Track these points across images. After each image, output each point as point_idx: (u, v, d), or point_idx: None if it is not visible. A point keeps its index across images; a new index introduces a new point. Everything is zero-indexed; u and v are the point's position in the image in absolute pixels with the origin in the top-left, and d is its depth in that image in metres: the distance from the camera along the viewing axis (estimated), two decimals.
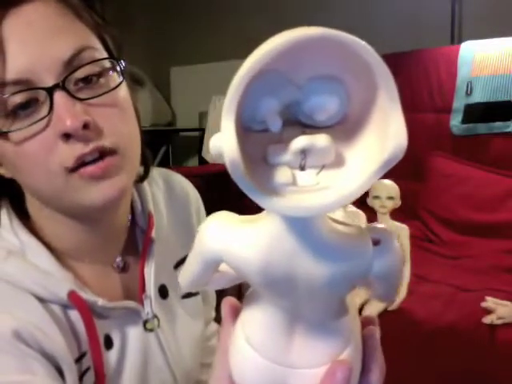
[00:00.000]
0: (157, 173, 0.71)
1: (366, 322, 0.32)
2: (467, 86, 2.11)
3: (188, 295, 0.67)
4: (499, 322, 1.34)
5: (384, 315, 1.33)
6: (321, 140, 0.21)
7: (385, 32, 2.62)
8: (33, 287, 0.51)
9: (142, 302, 0.60)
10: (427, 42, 2.32)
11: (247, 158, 0.21)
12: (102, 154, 0.49)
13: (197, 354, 0.68)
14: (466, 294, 1.51)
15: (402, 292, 1.45)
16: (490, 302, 1.40)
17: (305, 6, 2.96)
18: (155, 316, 0.61)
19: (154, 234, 0.63)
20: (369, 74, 0.20)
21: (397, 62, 2.35)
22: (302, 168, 0.22)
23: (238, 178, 0.21)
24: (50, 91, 0.47)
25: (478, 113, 2.08)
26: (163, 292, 0.64)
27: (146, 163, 0.64)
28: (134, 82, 3.15)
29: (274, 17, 3.06)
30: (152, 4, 3.59)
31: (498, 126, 2.04)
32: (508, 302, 1.39)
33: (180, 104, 3.59)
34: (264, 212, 0.25)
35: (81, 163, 0.49)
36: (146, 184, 0.66)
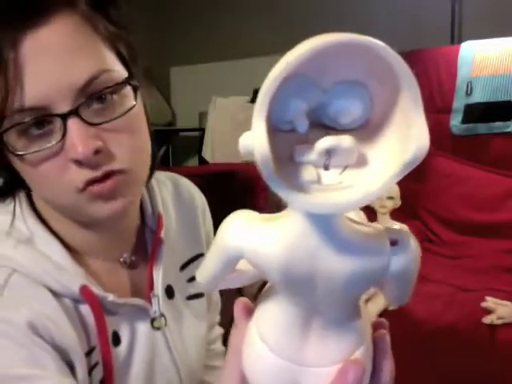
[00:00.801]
0: (165, 176, 0.72)
1: (377, 326, 0.33)
2: (467, 86, 2.11)
3: (193, 296, 0.68)
4: (499, 321, 1.34)
5: (384, 315, 1.33)
6: (345, 141, 0.22)
7: (385, 32, 2.61)
8: (46, 279, 0.52)
9: (149, 301, 0.61)
10: (427, 42, 2.32)
11: (275, 156, 0.22)
12: (112, 174, 0.51)
13: (201, 354, 0.68)
14: (466, 294, 1.51)
15: None
16: (490, 302, 1.41)
17: (305, 7, 2.96)
18: (162, 315, 0.62)
19: (163, 234, 0.64)
20: (392, 77, 0.21)
21: None
22: (326, 168, 0.23)
23: (268, 175, 0.21)
24: (64, 118, 0.48)
25: (477, 113, 2.09)
26: (170, 292, 0.65)
27: (153, 164, 0.65)
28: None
29: (274, 17, 3.06)
30: (152, 4, 3.59)
31: (498, 126, 2.04)
32: (508, 302, 1.39)
33: (180, 104, 3.59)
34: (285, 210, 0.26)
35: (91, 183, 0.50)
36: (155, 185, 0.67)
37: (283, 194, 0.22)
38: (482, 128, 2.08)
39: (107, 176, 0.50)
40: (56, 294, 0.53)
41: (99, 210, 0.52)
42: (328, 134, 0.23)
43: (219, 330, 0.81)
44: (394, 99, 0.21)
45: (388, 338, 0.33)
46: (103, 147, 0.49)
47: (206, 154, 2.76)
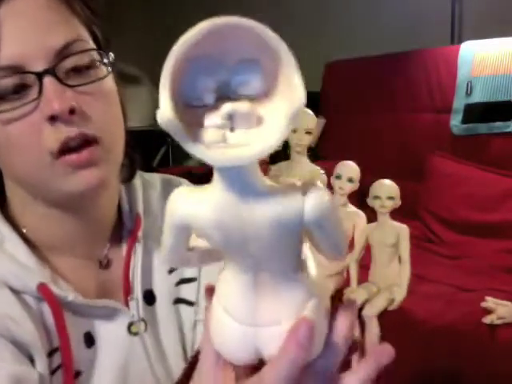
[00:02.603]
0: (157, 177, 0.72)
1: (346, 303, 0.35)
2: (467, 86, 2.11)
3: (181, 301, 0.66)
4: (499, 321, 1.34)
5: (384, 315, 1.33)
6: (243, 106, 0.27)
7: (385, 32, 2.62)
8: (6, 276, 0.52)
9: (126, 304, 0.60)
10: (427, 42, 2.32)
11: (189, 127, 0.26)
12: (86, 142, 0.51)
13: (184, 364, 0.65)
14: (466, 294, 1.51)
15: (402, 292, 1.45)
16: (490, 302, 1.41)
17: (305, 6, 2.96)
18: (143, 320, 0.60)
19: (140, 236, 0.62)
20: (274, 52, 0.26)
21: (397, 62, 2.35)
22: (232, 130, 0.27)
23: (177, 135, 0.26)
24: (40, 76, 0.49)
25: (478, 113, 2.09)
26: (149, 298, 0.63)
27: (133, 164, 0.64)
28: (129, 80, 3.15)
29: (274, 16, 3.06)
30: (152, 3, 3.59)
31: (498, 126, 2.04)
32: (508, 302, 1.39)
33: None
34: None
35: (65, 149, 0.50)
36: (138, 186, 0.66)
37: (192, 150, 0.26)
38: (482, 128, 2.08)
39: (82, 145, 0.50)
40: (17, 292, 0.53)
41: (72, 182, 0.51)
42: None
43: None
44: (278, 69, 0.26)
45: (354, 309, 0.35)
46: (78, 108, 0.50)
47: None
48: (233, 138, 0.27)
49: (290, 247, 0.31)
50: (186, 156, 3.59)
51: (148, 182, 0.69)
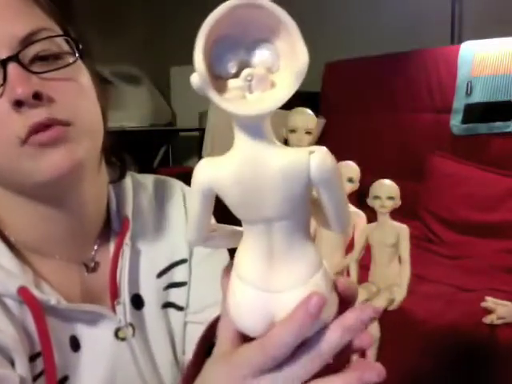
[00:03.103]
0: (151, 178, 0.70)
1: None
2: (467, 86, 2.11)
3: (170, 305, 0.65)
4: (499, 321, 1.34)
5: (384, 315, 1.33)
6: (259, 70, 0.33)
7: (385, 32, 2.62)
8: None
9: (113, 308, 0.59)
10: (427, 42, 2.32)
11: (217, 91, 0.32)
12: (54, 124, 0.50)
13: (174, 368, 0.64)
14: (466, 294, 1.51)
15: (402, 292, 1.45)
16: (490, 302, 1.41)
17: (305, 6, 2.96)
18: (131, 325, 0.59)
19: (127, 239, 0.61)
20: (283, 25, 0.32)
21: (397, 62, 2.35)
22: (251, 91, 0.33)
23: (205, 87, 0.32)
24: (4, 63, 0.48)
25: (478, 113, 2.09)
26: (137, 302, 0.62)
27: (123, 165, 0.64)
28: (129, 81, 3.15)
29: None
30: (152, 3, 3.59)
31: (498, 126, 2.04)
32: (508, 302, 1.39)
33: (180, 104, 3.59)
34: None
35: (33, 133, 0.49)
36: (128, 188, 0.65)
37: (220, 103, 0.32)
38: (482, 128, 2.08)
39: (49, 126, 0.49)
40: None
41: (42, 165, 0.49)
42: None
43: None
44: (287, 42, 0.32)
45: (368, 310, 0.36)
46: (44, 93, 0.49)
47: (206, 154, 2.75)
48: (251, 98, 0.33)
49: (299, 206, 0.34)
50: (186, 156, 3.59)
51: (139, 183, 0.68)
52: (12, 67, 0.48)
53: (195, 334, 0.66)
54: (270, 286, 0.35)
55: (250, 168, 0.33)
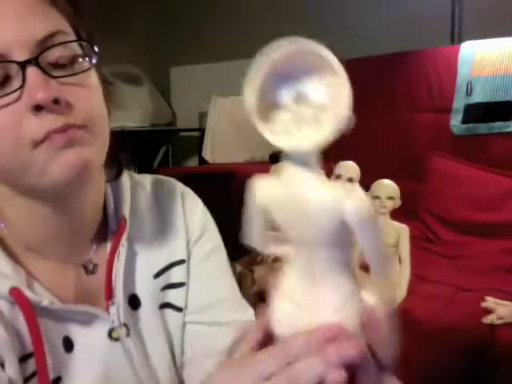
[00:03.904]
0: (149, 178, 0.70)
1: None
2: (467, 86, 2.11)
3: (167, 305, 0.64)
4: (499, 322, 1.34)
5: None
6: (305, 108, 0.35)
7: (385, 32, 2.62)
8: None
9: (108, 309, 0.58)
10: (427, 42, 2.32)
11: (266, 121, 0.35)
12: (71, 127, 0.50)
13: (171, 369, 0.64)
14: (466, 294, 1.51)
15: (402, 292, 1.45)
16: (490, 302, 1.41)
17: (305, 6, 2.96)
18: (125, 325, 0.59)
19: (124, 240, 0.61)
20: (332, 69, 0.34)
21: (397, 62, 2.35)
22: (297, 126, 0.35)
23: (253, 118, 0.35)
24: (23, 66, 0.48)
25: (478, 113, 2.09)
26: (134, 302, 0.61)
27: (119, 164, 0.64)
28: (129, 80, 3.15)
29: (274, 17, 3.06)
30: (152, 3, 3.59)
31: (498, 125, 2.04)
32: (508, 302, 1.39)
33: (180, 104, 3.59)
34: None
35: (49, 136, 0.49)
36: (126, 188, 0.65)
37: (268, 136, 0.35)
38: (482, 128, 2.08)
39: (65, 129, 0.49)
40: None
41: (55, 167, 0.49)
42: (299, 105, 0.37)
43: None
44: (333, 82, 0.34)
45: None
46: (63, 98, 0.49)
47: (206, 154, 2.76)
48: (297, 132, 0.35)
49: (336, 238, 0.36)
50: (186, 156, 3.59)
51: (138, 183, 0.68)
52: (31, 71, 0.48)
53: (194, 334, 0.67)
54: (307, 306, 0.38)
55: (292, 198, 0.36)
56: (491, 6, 2.37)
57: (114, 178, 0.64)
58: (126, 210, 0.63)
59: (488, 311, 1.37)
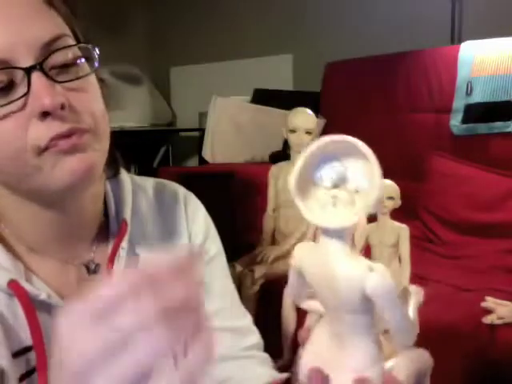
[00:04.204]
0: (151, 182, 0.70)
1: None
2: (467, 86, 2.11)
3: None
4: (499, 321, 1.34)
5: None
6: (342, 192, 0.39)
7: (385, 32, 2.62)
8: None
9: None
10: (427, 42, 2.32)
11: (307, 198, 0.40)
12: (76, 132, 0.50)
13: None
14: (466, 294, 1.51)
15: None
16: (490, 302, 1.41)
17: (304, 7, 2.96)
18: None
19: (124, 243, 0.61)
20: (365, 156, 0.39)
21: (397, 62, 2.35)
22: (334, 205, 0.39)
23: (295, 197, 0.40)
24: (28, 71, 0.48)
25: (478, 113, 2.09)
26: None
27: (116, 163, 0.64)
28: (129, 80, 3.15)
29: (274, 17, 3.06)
30: (152, 3, 3.59)
31: (498, 125, 2.04)
32: (508, 302, 1.39)
33: (180, 104, 3.59)
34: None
35: (54, 144, 0.49)
36: (127, 191, 0.65)
37: (305, 213, 0.39)
38: (482, 128, 2.08)
39: (70, 135, 0.49)
40: None
41: (60, 172, 0.49)
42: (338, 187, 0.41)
43: (255, 339, 0.72)
44: (367, 170, 0.39)
45: None
46: (68, 103, 0.49)
47: (206, 154, 2.75)
48: (333, 211, 0.39)
49: (360, 307, 0.39)
50: (186, 156, 3.59)
51: (139, 185, 0.68)
52: (36, 76, 0.48)
53: None
54: (332, 365, 0.42)
55: (323, 267, 0.40)
56: (491, 6, 2.37)
57: (113, 176, 0.64)
58: (128, 213, 0.63)
59: (488, 311, 1.37)
